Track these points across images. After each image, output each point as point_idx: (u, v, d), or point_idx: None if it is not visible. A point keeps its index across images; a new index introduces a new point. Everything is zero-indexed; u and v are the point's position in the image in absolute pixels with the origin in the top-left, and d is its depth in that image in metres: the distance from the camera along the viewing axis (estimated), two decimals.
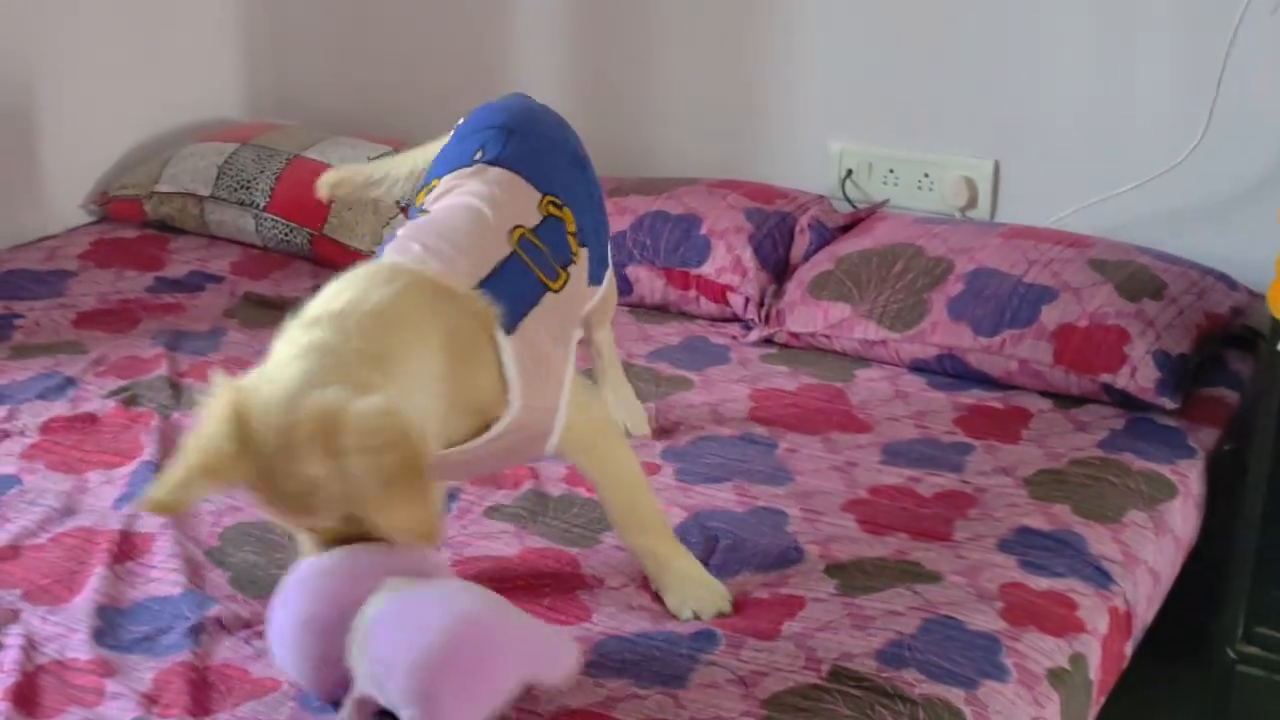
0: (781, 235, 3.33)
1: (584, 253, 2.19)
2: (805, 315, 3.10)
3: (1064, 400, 2.87)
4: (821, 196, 3.53)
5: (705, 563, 2.23)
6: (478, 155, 2.19)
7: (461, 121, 2.42)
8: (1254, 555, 2.63)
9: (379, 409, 1.66)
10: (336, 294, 1.86)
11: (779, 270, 3.28)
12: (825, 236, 3.32)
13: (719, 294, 3.24)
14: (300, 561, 1.88)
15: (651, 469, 2.56)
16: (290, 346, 1.76)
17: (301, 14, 4.26)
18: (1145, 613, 2.37)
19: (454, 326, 1.88)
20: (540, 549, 2.29)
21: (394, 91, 4.15)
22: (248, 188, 3.70)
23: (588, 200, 2.30)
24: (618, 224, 3.35)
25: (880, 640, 2.04)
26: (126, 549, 2.25)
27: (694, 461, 2.60)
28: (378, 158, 3.71)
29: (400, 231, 2.05)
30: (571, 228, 2.17)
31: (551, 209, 2.14)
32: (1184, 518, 2.56)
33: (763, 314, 3.18)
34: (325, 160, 3.73)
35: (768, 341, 3.15)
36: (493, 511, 2.41)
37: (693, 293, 3.27)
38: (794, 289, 3.16)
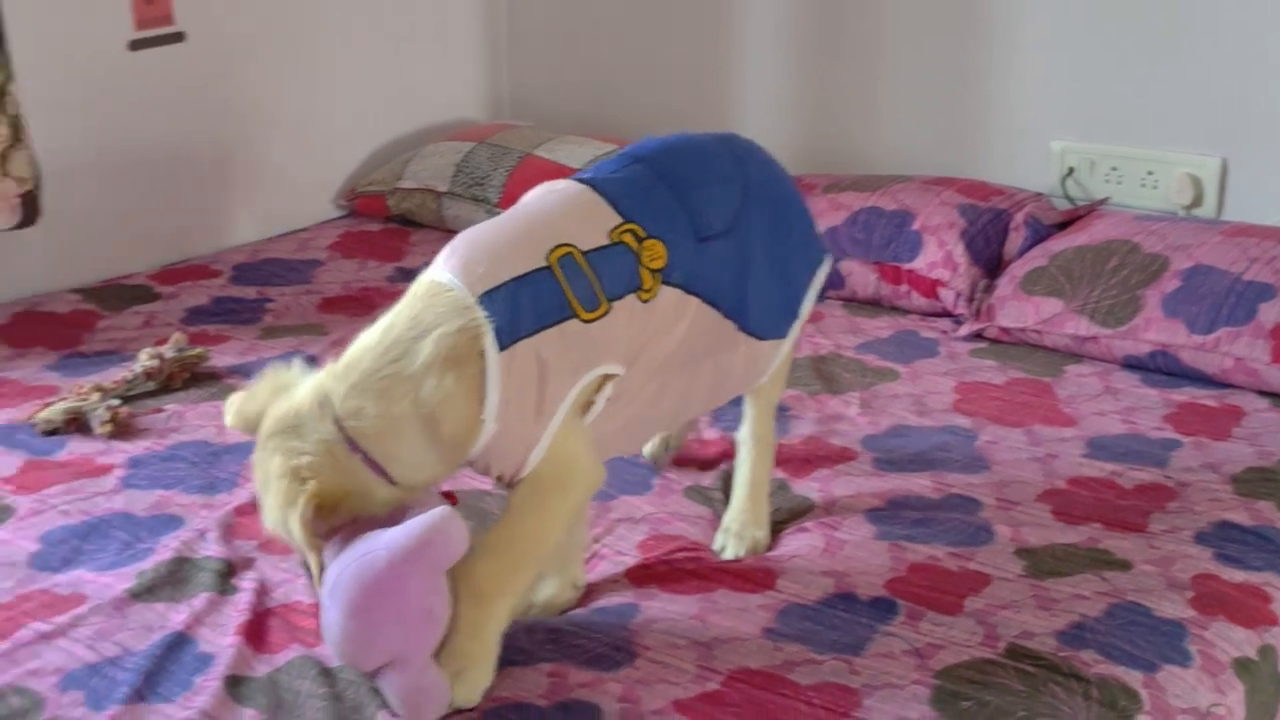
0: (995, 231, 3.34)
1: (673, 295, 2.08)
2: (1016, 310, 3.11)
3: None
4: (1039, 194, 3.53)
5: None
6: (584, 172, 2.20)
7: None
8: None
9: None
10: (377, 344, 1.95)
11: (992, 266, 3.29)
12: (1040, 233, 3.32)
13: (929, 289, 3.27)
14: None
15: (849, 455, 2.62)
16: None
17: (538, 21, 4.45)
18: None
19: (449, 346, 1.89)
20: None
21: (623, 93, 4.29)
22: (482, 184, 3.89)
23: (743, 249, 2.17)
24: (831, 219, 3.41)
25: (1063, 621, 2.06)
26: None
27: (892, 450, 2.64)
28: (602, 156, 3.89)
29: (449, 247, 2.05)
30: (655, 263, 2.05)
31: (626, 238, 2.05)
32: None
33: (973, 309, 3.20)
34: (555, 159, 3.90)
35: (978, 336, 3.17)
36: (692, 492, 2.50)
37: (904, 287, 3.31)
38: (1006, 284, 3.17)
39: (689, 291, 2.11)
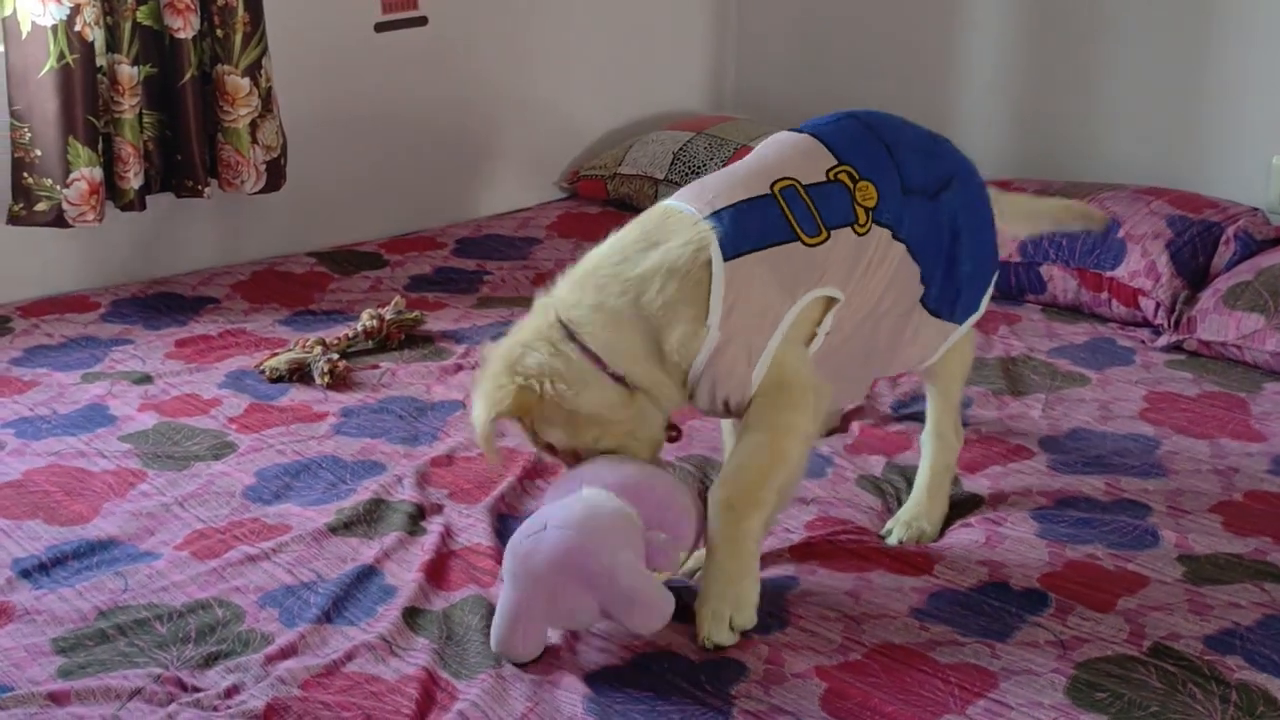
0: (1204, 244, 3.31)
1: (883, 234, 2.20)
2: (1217, 324, 3.08)
3: None
4: (1255, 209, 3.47)
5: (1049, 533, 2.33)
6: (802, 125, 2.33)
7: None
8: None
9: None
10: (603, 252, 2.18)
11: (1196, 278, 3.26)
12: (1251, 248, 3.27)
13: (1130, 298, 3.26)
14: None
15: (1025, 454, 2.66)
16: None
17: (768, 19, 4.54)
18: None
19: (674, 257, 2.07)
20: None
21: (845, 91, 4.33)
22: (698, 173, 4.01)
23: (944, 220, 2.29)
24: None
25: (1213, 627, 2.08)
26: (539, 469, 2.57)
27: (1069, 453, 2.67)
28: None
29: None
30: (868, 201, 2.19)
31: (843, 177, 2.20)
32: None
33: (1173, 320, 3.18)
34: None
35: (1177, 348, 3.15)
36: (865, 481, 2.57)
37: (1105, 295, 3.31)
38: (1208, 297, 3.14)
39: (896, 236, 2.23)
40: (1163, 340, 3.16)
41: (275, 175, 3.57)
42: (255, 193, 3.55)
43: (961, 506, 2.48)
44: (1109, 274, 3.30)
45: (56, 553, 2.27)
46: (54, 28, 3.19)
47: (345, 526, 2.37)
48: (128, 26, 3.31)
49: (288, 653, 2.01)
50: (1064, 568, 2.26)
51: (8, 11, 3.19)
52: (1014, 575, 2.23)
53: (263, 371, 2.98)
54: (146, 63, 3.40)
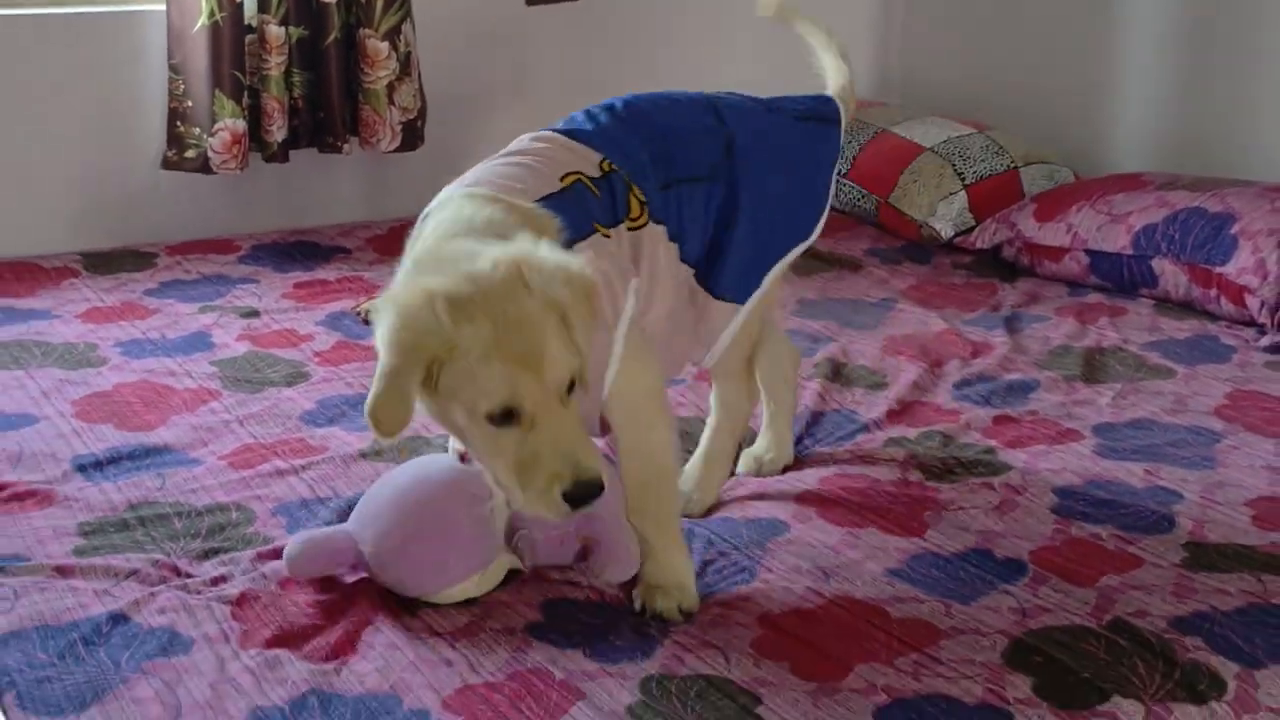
0: None
1: (658, 231, 2.11)
2: None
3: None
4: None
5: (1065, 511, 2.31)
6: (554, 124, 2.20)
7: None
8: None
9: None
10: (440, 224, 1.96)
11: None
12: None
13: (1237, 295, 3.15)
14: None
15: (1074, 437, 2.62)
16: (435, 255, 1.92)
17: (933, 10, 4.52)
18: None
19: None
20: (916, 481, 2.44)
21: (1006, 76, 4.29)
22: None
23: (720, 201, 2.19)
24: (1151, 216, 3.34)
25: (1187, 609, 2.02)
26: None
27: (1120, 440, 2.61)
28: (956, 138, 3.95)
29: (456, 181, 2.07)
30: (638, 194, 2.10)
31: (612, 169, 2.08)
32: None
33: (1277, 320, 3.06)
34: (909, 136, 3.99)
35: (1278, 349, 3.03)
36: (892, 443, 2.58)
37: (1214, 291, 3.20)
38: None
39: (670, 236, 2.14)
40: (1265, 340, 3.05)
41: (412, 136, 3.75)
42: (390, 151, 3.74)
43: (993, 468, 2.47)
44: (1218, 270, 3.19)
45: (113, 453, 2.48)
46: None
47: (376, 453, 2.50)
48: None
49: (280, 554, 2.15)
50: (1062, 544, 2.23)
51: None
52: (1003, 545, 2.22)
53: (358, 313, 3.16)
54: (299, 24, 3.63)
